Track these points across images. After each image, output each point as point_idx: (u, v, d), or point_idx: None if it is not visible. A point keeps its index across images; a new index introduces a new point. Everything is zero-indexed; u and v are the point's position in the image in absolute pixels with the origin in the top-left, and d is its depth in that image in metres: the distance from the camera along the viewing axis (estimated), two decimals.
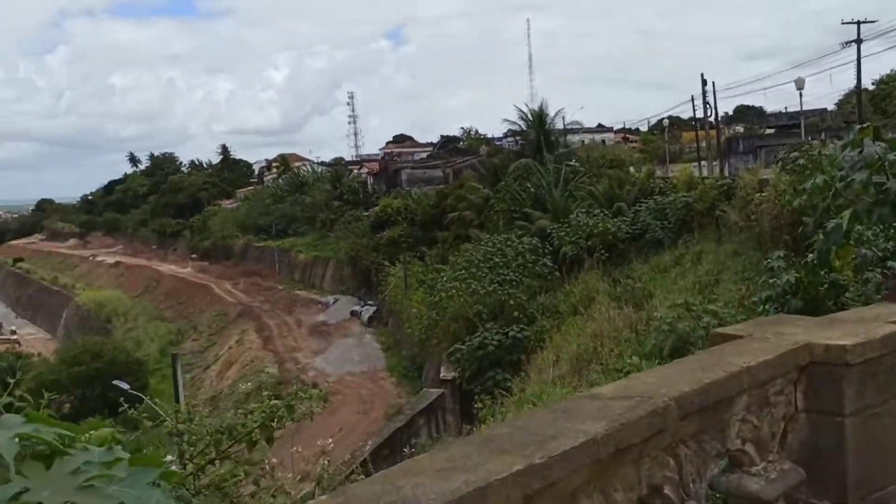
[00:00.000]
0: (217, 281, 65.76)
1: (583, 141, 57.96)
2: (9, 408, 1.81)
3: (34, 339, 77.55)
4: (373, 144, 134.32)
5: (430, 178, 57.13)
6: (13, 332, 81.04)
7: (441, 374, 28.26)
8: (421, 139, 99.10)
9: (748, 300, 10.78)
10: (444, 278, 30.87)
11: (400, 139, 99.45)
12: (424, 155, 75.21)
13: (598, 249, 26.32)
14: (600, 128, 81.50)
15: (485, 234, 32.97)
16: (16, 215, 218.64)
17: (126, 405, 4.88)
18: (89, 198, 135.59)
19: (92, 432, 1.71)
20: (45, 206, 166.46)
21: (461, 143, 77.80)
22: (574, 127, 48.06)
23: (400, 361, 36.50)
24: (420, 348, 33.08)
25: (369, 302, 46.69)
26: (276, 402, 3.95)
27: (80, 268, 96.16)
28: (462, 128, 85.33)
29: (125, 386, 15.08)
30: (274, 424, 3.85)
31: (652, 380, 3.12)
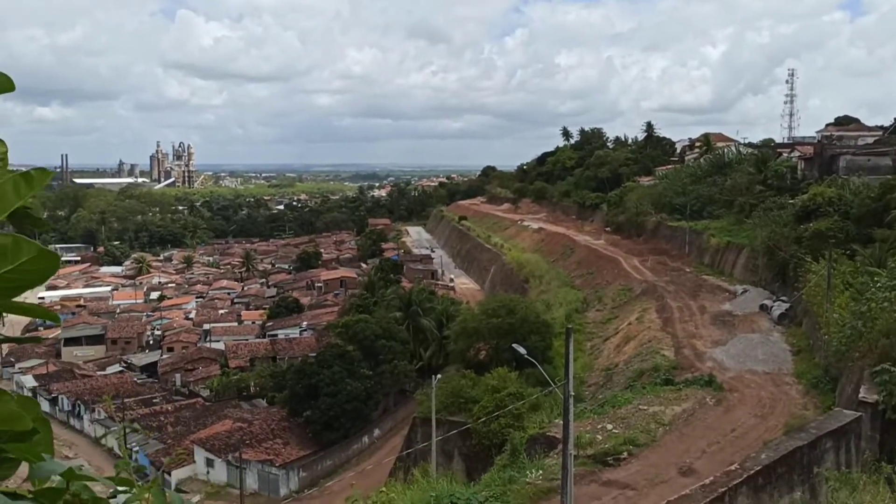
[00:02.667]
0: (626, 255, 67.25)
1: None
2: None
3: (466, 288, 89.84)
4: (809, 126, 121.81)
5: (876, 166, 49.85)
6: (451, 280, 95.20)
7: (860, 395, 24.69)
8: (869, 122, 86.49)
9: None
10: (878, 285, 26.78)
11: (843, 121, 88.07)
12: (871, 140, 65.61)
13: None
14: None
15: None
16: (465, 178, 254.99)
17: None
18: (524, 167, 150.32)
19: None
20: (488, 172, 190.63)
21: None
22: None
23: (810, 369, 32.94)
24: (837, 359, 29.41)
25: (782, 297, 43.08)
26: None
27: (509, 230, 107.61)
28: None
29: (522, 351, 16.82)
30: None
31: None
